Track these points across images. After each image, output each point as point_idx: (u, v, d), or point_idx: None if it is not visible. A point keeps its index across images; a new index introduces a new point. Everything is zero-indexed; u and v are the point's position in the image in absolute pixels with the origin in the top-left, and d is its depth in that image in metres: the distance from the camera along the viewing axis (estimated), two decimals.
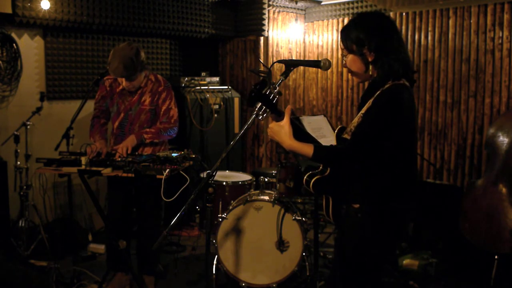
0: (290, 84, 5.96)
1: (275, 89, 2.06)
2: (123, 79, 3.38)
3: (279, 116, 2.10)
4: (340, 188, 2.12)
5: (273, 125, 2.09)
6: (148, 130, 3.45)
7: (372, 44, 2.02)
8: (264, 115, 2.06)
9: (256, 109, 2.04)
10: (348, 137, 2.08)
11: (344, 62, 2.16)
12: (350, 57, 2.10)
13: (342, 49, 2.15)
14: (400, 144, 2.00)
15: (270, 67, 2.12)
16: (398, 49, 2.04)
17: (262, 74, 2.10)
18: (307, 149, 2.01)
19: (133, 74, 3.34)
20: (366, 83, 2.19)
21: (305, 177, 2.20)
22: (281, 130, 2.06)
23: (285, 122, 2.06)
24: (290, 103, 6.00)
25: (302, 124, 3.77)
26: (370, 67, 2.06)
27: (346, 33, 2.10)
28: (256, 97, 2.03)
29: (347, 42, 2.09)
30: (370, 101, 2.03)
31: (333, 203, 2.18)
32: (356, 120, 2.07)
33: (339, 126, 2.25)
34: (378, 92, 2.02)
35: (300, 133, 2.16)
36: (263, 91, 2.04)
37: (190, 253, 4.37)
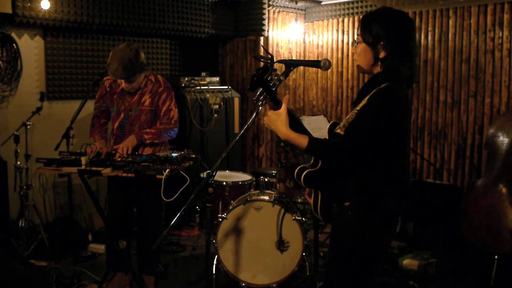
0: (290, 84, 5.96)
1: (276, 76, 2.06)
2: (122, 80, 3.38)
3: (277, 105, 2.09)
4: (331, 183, 2.12)
5: (270, 113, 2.08)
6: (148, 130, 3.45)
7: (389, 43, 2.01)
8: (264, 101, 2.05)
9: (257, 94, 2.03)
10: (341, 132, 2.07)
11: (354, 47, 2.15)
12: (362, 46, 2.08)
13: (357, 35, 2.12)
14: (393, 143, 2.01)
15: (273, 61, 2.10)
16: (411, 55, 2.04)
17: (265, 60, 2.09)
18: (302, 140, 2.01)
19: (132, 76, 3.33)
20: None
21: (296, 171, 2.20)
22: (278, 119, 2.06)
23: (283, 110, 2.06)
24: (290, 103, 6.00)
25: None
26: (379, 63, 2.06)
27: (367, 24, 2.07)
28: (257, 82, 2.02)
29: (365, 32, 2.07)
30: (366, 98, 2.03)
31: (322, 200, 2.18)
32: (350, 115, 2.07)
33: (332, 122, 2.24)
34: (374, 90, 2.02)
35: (296, 124, 2.15)
36: (265, 77, 2.03)
37: (190, 253, 4.37)
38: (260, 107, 2.07)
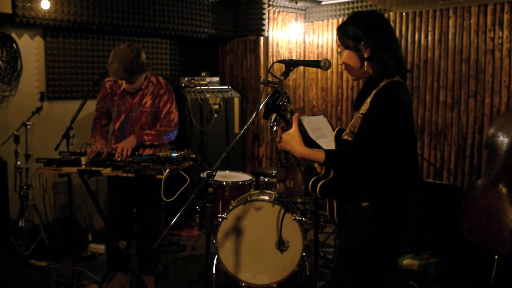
0: (290, 84, 5.96)
1: (286, 99, 2.07)
2: (123, 81, 3.38)
3: (287, 125, 2.10)
4: (346, 189, 2.13)
5: (283, 135, 2.09)
6: (148, 132, 3.45)
7: (369, 40, 2.06)
8: (279, 125, 2.06)
9: (272, 120, 2.04)
10: (349, 138, 2.10)
11: (339, 57, 2.18)
12: (346, 52, 2.13)
13: (338, 45, 2.17)
14: (404, 140, 2.03)
15: (281, 76, 2.11)
16: (394, 47, 2.08)
17: (274, 85, 2.10)
18: (318, 155, 2.02)
19: (132, 77, 3.33)
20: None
21: (310, 183, 2.21)
22: (292, 139, 2.06)
23: (294, 130, 2.07)
24: (290, 103, 5.98)
25: (303, 127, 3.78)
26: (365, 63, 2.09)
27: (343, 29, 2.13)
28: (272, 109, 2.03)
29: (344, 38, 2.12)
30: (368, 101, 2.05)
31: (338, 205, 2.19)
32: (355, 120, 2.09)
33: (337, 128, 2.26)
34: (374, 91, 2.04)
35: (305, 138, 2.18)
36: (277, 102, 2.04)
37: (190, 253, 4.38)
38: (274, 130, 2.08)
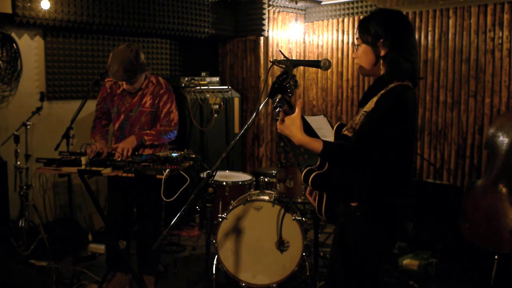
0: None
1: (293, 82, 2.06)
2: (124, 82, 3.38)
3: (290, 109, 2.09)
4: (339, 184, 2.13)
5: (285, 119, 2.06)
6: (148, 132, 3.45)
7: (389, 39, 2.04)
8: (282, 108, 2.04)
9: (276, 101, 2.02)
10: (349, 134, 2.08)
11: (355, 51, 2.17)
12: (362, 47, 2.11)
13: (356, 39, 2.16)
14: (403, 144, 2.02)
15: (292, 67, 2.09)
16: (411, 51, 2.07)
17: (284, 65, 2.09)
18: (316, 145, 2.00)
19: (133, 77, 3.34)
20: (364, 81, 2.19)
21: (303, 173, 2.20)
22: (292, 124, 2.04)
23: (297, 115, 2.04)
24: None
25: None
26: (380, 61, 2.08)
27: (364, 25, 2.11)
28: (278, 89, 2.01)
29: (363, 32, 2.10)
30: (374, 99, 2.04)
31: (327, 201, 2.18)
32: (358, 117, 2.08)
33: (338, 123, 2.25)
34: (382, 92, 2.02)
35: (307, 127, 2.16)
36: (284, 83, 2.02)
37: (190, 253, 4.38)
38: (277, 112, 2.06)
